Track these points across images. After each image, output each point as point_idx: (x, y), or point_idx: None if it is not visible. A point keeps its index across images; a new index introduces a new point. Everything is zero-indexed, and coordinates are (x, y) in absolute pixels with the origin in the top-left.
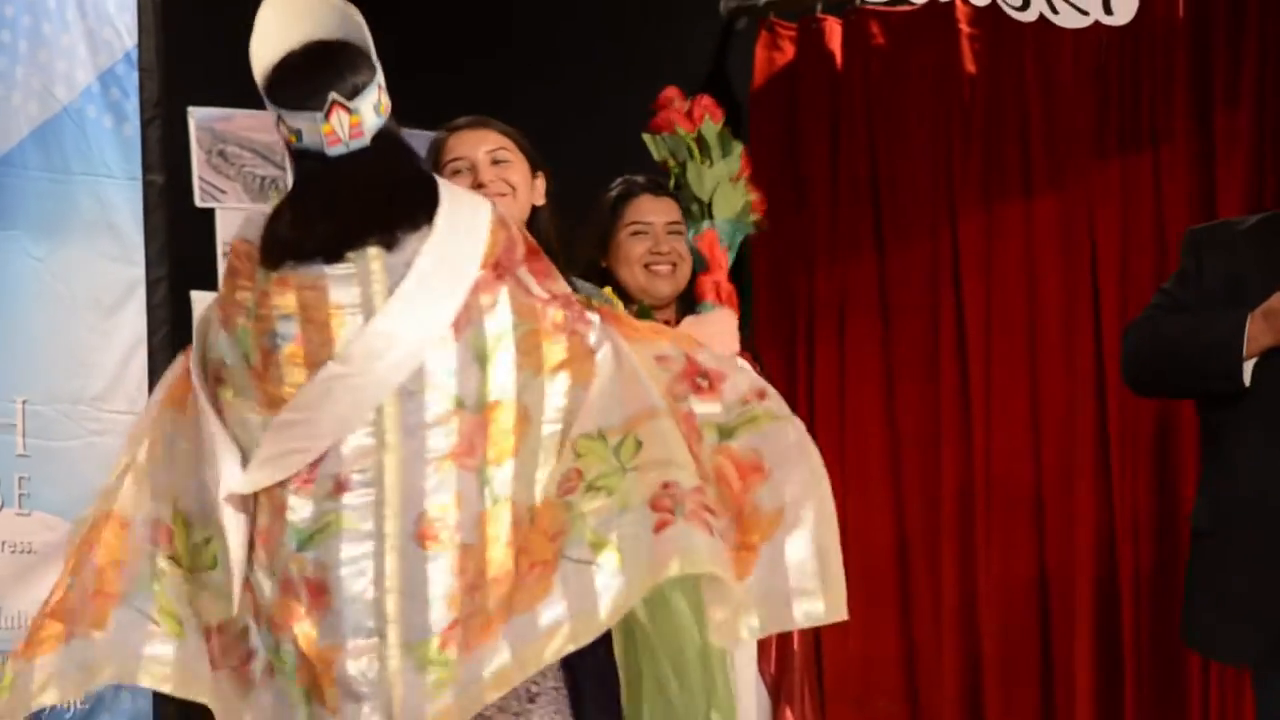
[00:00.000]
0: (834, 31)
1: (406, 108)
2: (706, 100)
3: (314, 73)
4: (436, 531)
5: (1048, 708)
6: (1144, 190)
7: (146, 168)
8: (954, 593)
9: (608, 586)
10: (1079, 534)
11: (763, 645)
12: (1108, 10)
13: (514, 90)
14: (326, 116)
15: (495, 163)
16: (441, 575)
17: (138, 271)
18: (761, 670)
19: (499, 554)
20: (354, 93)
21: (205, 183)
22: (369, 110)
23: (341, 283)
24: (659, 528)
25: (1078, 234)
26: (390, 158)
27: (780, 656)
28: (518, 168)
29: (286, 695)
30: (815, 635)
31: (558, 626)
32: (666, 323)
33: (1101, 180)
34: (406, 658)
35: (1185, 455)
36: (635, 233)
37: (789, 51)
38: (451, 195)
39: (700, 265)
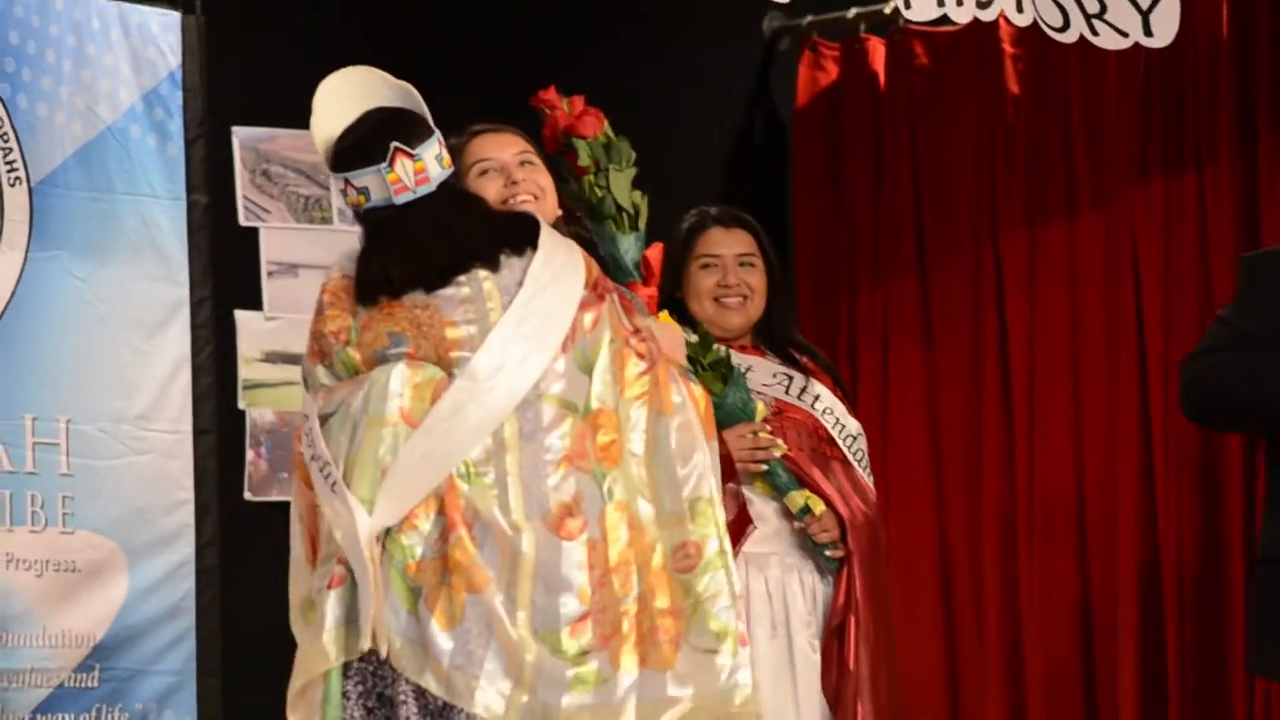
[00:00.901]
0: (877, 51)
1: (447, 127)
2: (583, 100)
3: (375, 132)
4: (569, 525)
5: None
6: (1187, 210)
7: (190, 187)
8: (997, 611)
9: (737, 675)
10: (1122, 552)
11: (824, 657)
12: (1148, 32)
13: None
14: (391, 165)
15: (523, 164)
16: (575, 568)
17: (181, 291)
18: (823, 681)
19: (619, 552)
20: (416, 142)
21: (249, 202)
22: (432, 160)
23: (452, 302)
24: (743, 641)
25: (1121, 253)
26: (461, 200)
27: (839, 671)
28: (544, 172)
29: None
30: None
31: (679, 701)
32: (741, 349)
33: (1144, 199)
34: (539, 643)
35: (1229, 473)
36: (705, 265)
37: (832, 71)
38: (548, 231)
39: (639, 276)
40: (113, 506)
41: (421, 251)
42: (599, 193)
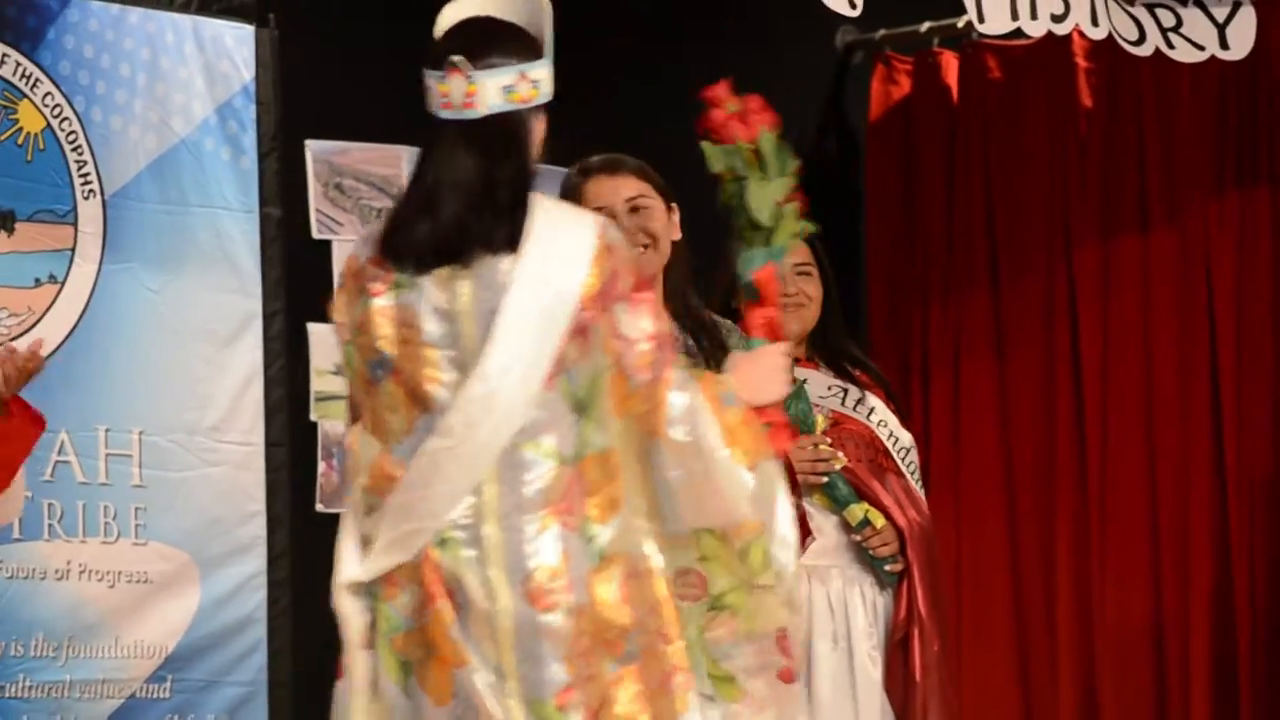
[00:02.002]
0: (950, 65)
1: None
2: (758, 102)
3: (457, 39)
4: (549, 596)
5: None
6: (1261, 223)
7: (263, 200)
8: (1069, 629)
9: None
10: (1195, 571)
11: (888, 669)
12: (1224, 45)
13: (627, 127)
14: (445, 77)
15: (634, 210)
16: (557, 641)
17: (254, 304)
18: (889, 694)
19: (611, 614)
20: (483, 65)
21: (322, 215)
22: (493, 87)
23: (432, 310)
24: (785, 677)
25: (1194, 267)
26: (494, 146)
27: (905, 684)
28: (657, 212)
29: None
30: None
31: None
32: (796, 361)
33: (1218, 213)
34: (528, 712)
35: None
36: None
37: (905, 85)
38: (551, 218)
39: (752, 296)
40: (185, 518)
41: (427, 207)
42: (733, 202)
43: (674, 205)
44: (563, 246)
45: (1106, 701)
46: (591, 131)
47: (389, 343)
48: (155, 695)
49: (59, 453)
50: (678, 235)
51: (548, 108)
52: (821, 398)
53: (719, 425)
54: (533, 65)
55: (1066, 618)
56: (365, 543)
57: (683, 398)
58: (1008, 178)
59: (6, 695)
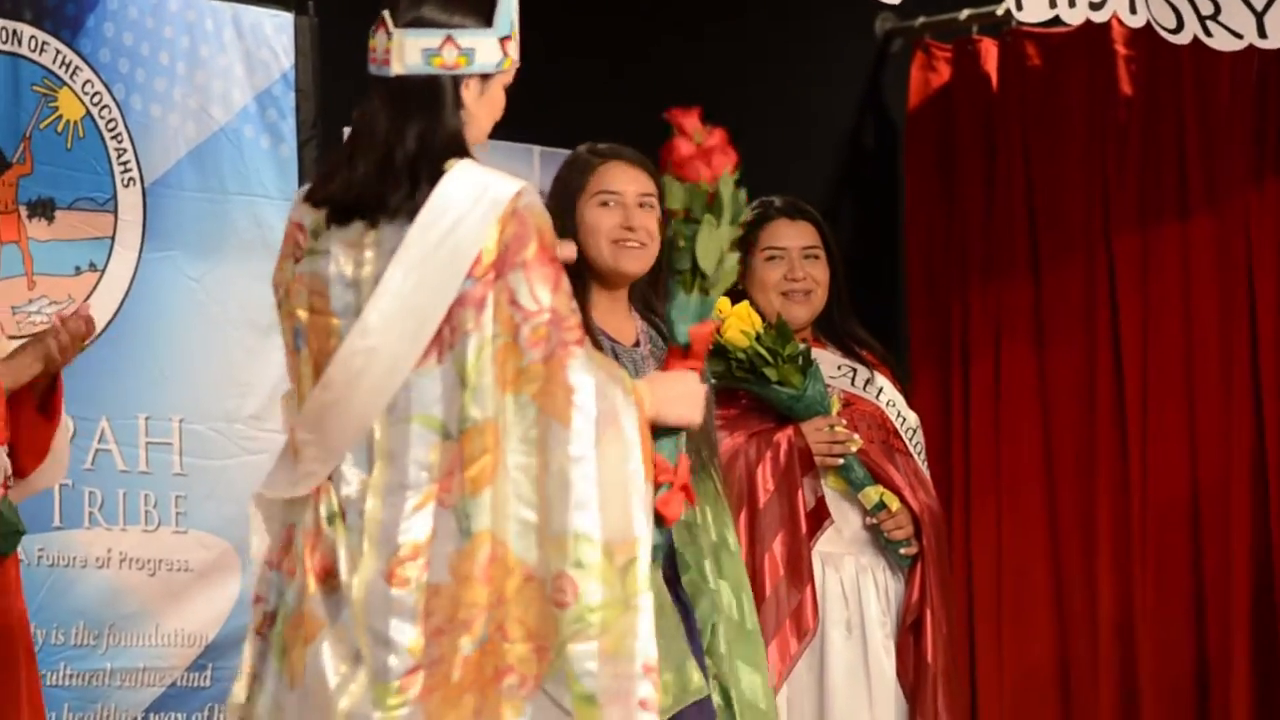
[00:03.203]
0: (989, 53)
1: (552, 130)
2: (722, 139)
3: None
4: (405, 571)
5: None
6: None
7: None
8: (1110, 613)
9: None
10: (1236, 555)
11: (899, 652)
12: (1262, 33)
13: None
14: (375, 30)
15: (642, 206)
16: (405, 619)
17: None
18: (900, 677)
19: (470, 593)
20: (412, 23)
21: None
22: (413, 48)
23: (339, 276)
24: (645, 705)
25: (1234, 255)
26: (405, 108)
27: (916, 666)
28: (656, 214)
29: (270, 642)
30: (970, 668)
31: None
32: (803, 341)
33: (1258, 200)
34: (371, 693)
35: None
36: (770, 258)
37: (944, 73)
38: (462, 183)
39: (683, 345)
40: (226, 506)
41: (344, 163)
42: (681, 242)
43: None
44: (465, 213)
45: (1146, 686)
46: (623, 123)
47: (304, 311)
48: (196, 684)
49: (99, 441)
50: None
51: (513, 80)
52: (832, 378)
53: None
54: (468, 33)
55: (1107, 603)
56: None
57: (589, 379)
58: (1047, 165)
59: (47, 684)
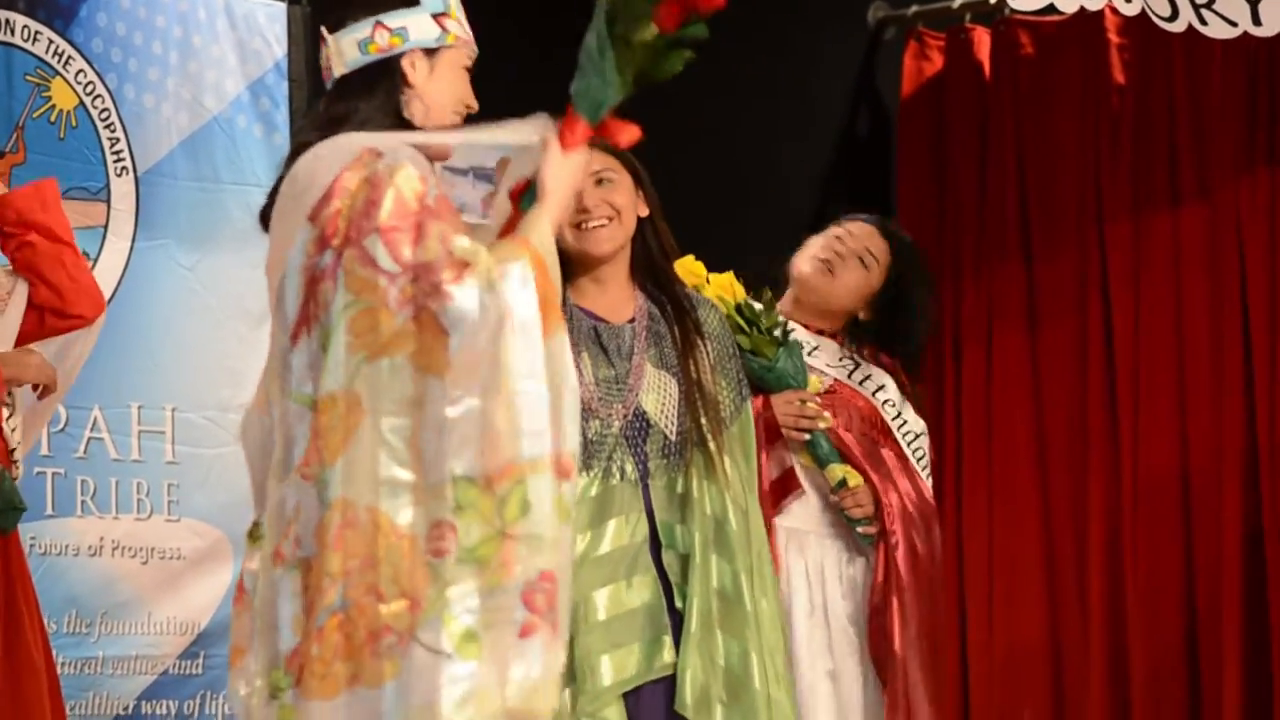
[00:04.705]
0: (982, 41)
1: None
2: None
3: (330, 11)
4: (284, 549)
5: (1195, 714)
6: None
7: None
8: (1101, 601)
9: (455, 683)
10: (1227, 541)
11: (871, 635)
12: (1256, 21)
13: (656, 100)
14: (322, 52)
15: (599, 183)
16: (287, 597)
17: None
18: (874, 660)
19: (324, 562)
20: (340, 23)
21: None
22: (350, 45)
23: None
24: (525, 632)
25: (1226, 241)
26: (348, 99)
27: (884, 656)
28: (621, 185)
29: None
30: (961, 647)
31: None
32: (806, 327)
33: (1250, 188)
34: (266, 680)
35: None
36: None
37: (937, 61)
38: (324, 159)
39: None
40: (218, 494)
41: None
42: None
43: (643, 179)
44: (316, 189)
45: (1137, 666)
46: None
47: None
48: (188, 671)
49: (92, 429)
50: (645, 212)
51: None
52: (829, 366)
53: (537, 303)
54: (395, 14)
55: (1098, 585)
56: None
57: (468, 309)
58: (1040, 153)
59: None
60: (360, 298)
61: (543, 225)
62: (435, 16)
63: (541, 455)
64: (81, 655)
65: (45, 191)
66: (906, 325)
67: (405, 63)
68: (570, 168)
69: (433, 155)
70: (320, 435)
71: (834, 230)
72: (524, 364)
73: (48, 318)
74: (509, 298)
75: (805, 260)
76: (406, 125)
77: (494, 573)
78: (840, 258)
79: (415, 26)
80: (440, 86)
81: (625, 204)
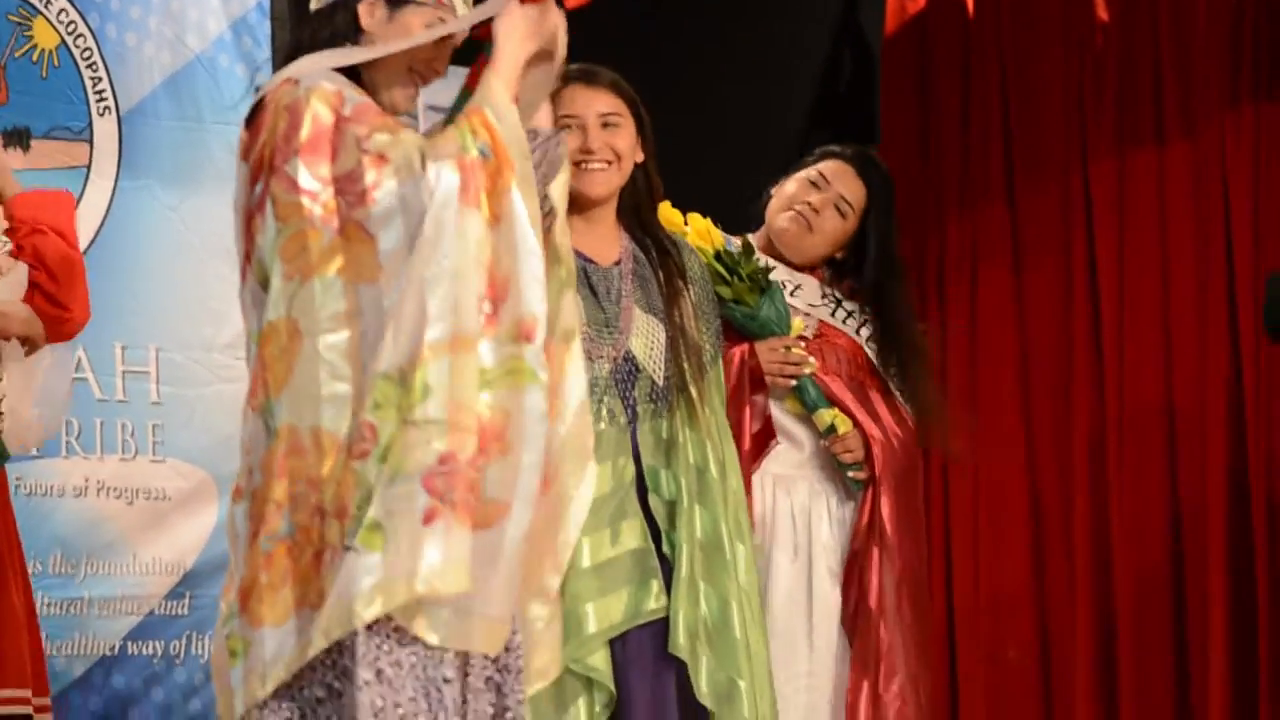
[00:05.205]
0: None
1: None
2: None
3: None
4: (240, 483)
5: (1181, 651)
6: (1278, 136)
7: None
8: (1086, 537)
9: (364, 575)
10: (1211, 477)
11: (845, 584)
12: None
13: (645, 41)
14: None
15: (605, 125)
16: (244, 529)
17: None
18: (842, 612)
19: (268, 489)
20: None
21: None
22: None
23: None
24: (428, 518)
25: (1210, 179)
26: (286, 51)
27: (858, 607)
28: (625, 130)
29: None
30: (946, 586)
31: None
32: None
33: (1235, 125)
34: (222, 607)
35: None
36: (813, 183)
37: (920, 1)
38: (264, 95)
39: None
40: (202, 435)
41: None
42: None
43: (645, 125)
44: (244, 125)
45: (1122, 605)
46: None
47: None
48: (174, 612)
49: (76, 370)
50: (641, 157)
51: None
52: (812, 305)
53: (458, 178)
54: None
55: (1083, 523)
56: None
57: (389, 203)
58: (1023, 91)
59: None
60: (288, 224)
61: (491, 84)
62: None
63: (440, 338)
64: (67, 596)
65: (62, 200)
66: (880, 259)
67: (363, 6)
68: (526, 21)
69: (395, 108)
70: (266, 366)
71: (809, 173)
72: (430, 246)
73: (38, 299)
74: (431, 182)
75: (781, 213)
76: (350, 68)
77: (395, 461)
78: (815, 211)
79: None
80: (391, 35)
81: (626, 149)
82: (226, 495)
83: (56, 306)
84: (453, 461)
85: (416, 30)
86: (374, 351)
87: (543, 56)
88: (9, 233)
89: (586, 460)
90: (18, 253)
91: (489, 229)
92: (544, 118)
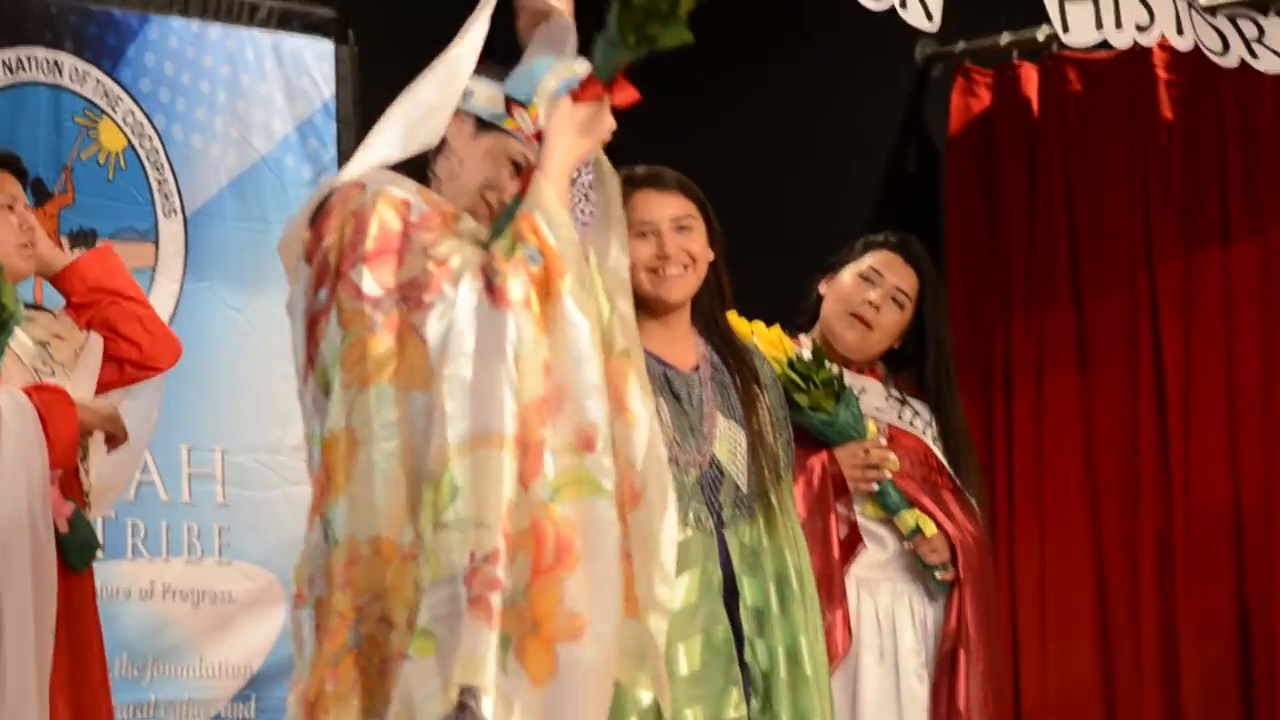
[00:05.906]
0: (1030, 78)
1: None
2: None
3: None
4: (304, 590)
5: None
6: None
7: None
8: (1153, 638)
9: (422, 682)
10: (1278, 576)
11: (935, 684)
12: None
13: (708, 137)
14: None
15: (679, 230)
16: (305, 636)
17: None
18: (934, 704)
19: (334, 600)
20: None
21: None
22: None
23: None
24: (474, 606)
25: (1276, 279)
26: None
27: (949, 708)
28: (698, 232)
29: None
30: (1015, 685)
31: None
32: (849, 365)
33: None
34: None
35: None
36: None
37: (985, 98)
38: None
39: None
40: (269, 537)
41: None
42: None
43: (714, 225)
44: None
45: (1190, 706)
46: (667, 146)
47: None
48: (240, 715)
49: (142, 472)
50: (712, 256)
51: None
52: (879, 409)
53: (483, 282)
54: (481, 80)
55: (1151, 627)
56: None
57: (448, 318)
58: (1089, 190)
59: None
60: (350, 331)
61: (541, 188)
62: (510, 101)
63: (462, 437)
64: (134, 699)
65: (107, 257)
66: (936, 348)
67: (455, 119)
68: (576, 120)
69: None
70: (328, 475)
71: (859, 268)
72: (457, 345)
73: (127, 369)
74: (466, 286)
75: (842, 316)
76: (421, 174)
77: (435, 566)
78: (876, 309)
79: (483, 94)
80: (473, 154)
81: (700, 251)
82: (292, 598)
83: (146, 369)
84: (494, 559)
85: (499, 159)
86: (421, 458)
87: None
88: (69, 308)
89: (665, 472)
90: (87, 326)
91: (540, 333)
92: None
